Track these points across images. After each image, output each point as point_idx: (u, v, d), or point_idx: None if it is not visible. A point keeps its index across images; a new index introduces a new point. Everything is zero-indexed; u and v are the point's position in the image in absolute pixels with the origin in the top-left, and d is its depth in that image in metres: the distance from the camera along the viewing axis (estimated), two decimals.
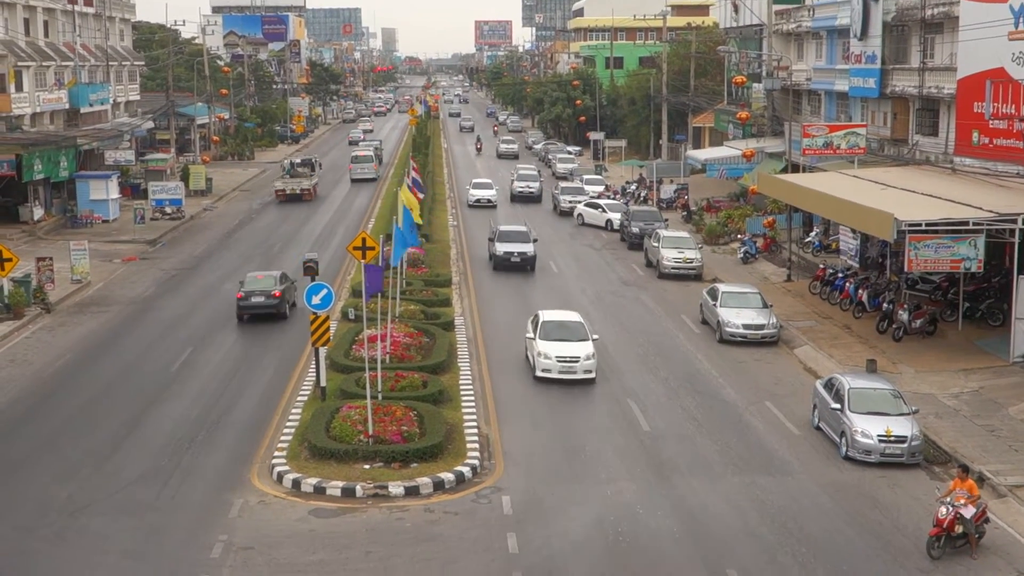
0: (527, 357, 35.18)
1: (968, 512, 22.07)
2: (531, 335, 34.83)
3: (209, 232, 62.17)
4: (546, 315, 35.62)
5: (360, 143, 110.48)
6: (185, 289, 46.95)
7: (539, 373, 33.64)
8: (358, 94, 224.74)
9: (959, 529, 22.08)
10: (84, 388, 32.93)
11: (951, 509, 22.11)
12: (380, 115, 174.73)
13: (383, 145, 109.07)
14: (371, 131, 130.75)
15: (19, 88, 67.51)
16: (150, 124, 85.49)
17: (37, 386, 33.08)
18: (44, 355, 36.41)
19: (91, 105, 77.16)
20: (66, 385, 33.17)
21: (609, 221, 62.92)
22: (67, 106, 74.29)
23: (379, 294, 32.90)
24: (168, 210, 64.87)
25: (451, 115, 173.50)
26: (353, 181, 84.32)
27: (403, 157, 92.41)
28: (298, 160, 79.88)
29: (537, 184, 75.41)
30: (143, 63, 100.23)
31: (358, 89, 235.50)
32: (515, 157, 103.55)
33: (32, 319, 40.91)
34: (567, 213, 67.72)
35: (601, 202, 66.27)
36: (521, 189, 75.08)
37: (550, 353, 33.59)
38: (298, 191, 74.26)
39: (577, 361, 33.47)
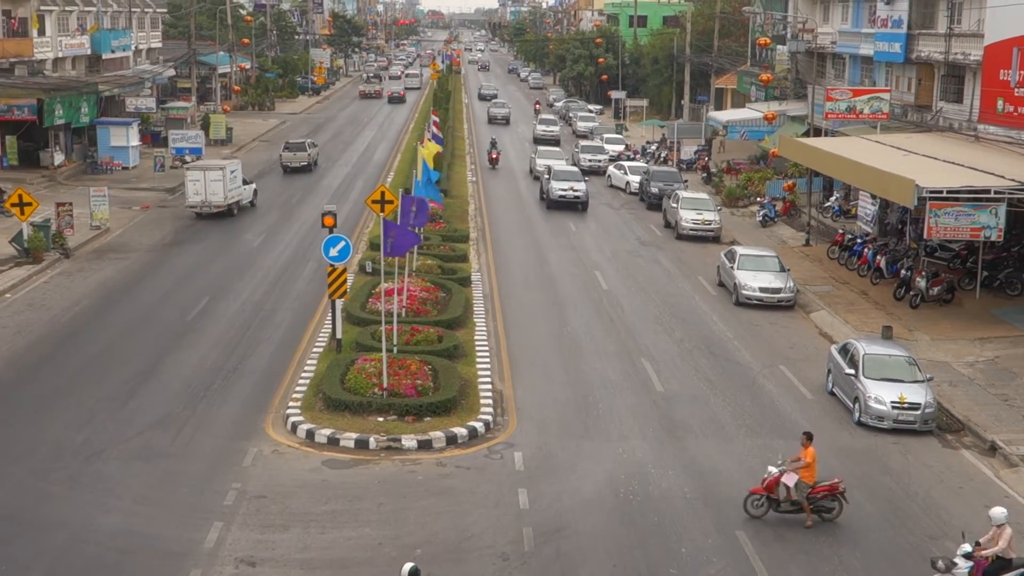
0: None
1: (790, 480, 21.69)
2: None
3: None
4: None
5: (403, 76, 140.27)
6: (203, 238, 47.04)
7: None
8: (380, 47, 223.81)
9: (795, 496, 21.74)
10: (101, 334, 33.10)
11: (776, 472, 21.88)
12: (396, 100, 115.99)
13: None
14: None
15: (41, 32, 67.50)
16: (171, 72, 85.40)
17: (54, 331, 33.27)
18: (62, 300, 36.59)
19: (113, 51, 77.14)
20: (83, 331, 33.35)
21: (628, 183, 62.69)
22: (89, 52, 74.28)
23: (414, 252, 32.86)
24: (188, 158, 64.83)
25: (471, 62, 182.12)
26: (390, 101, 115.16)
27: (424, 112, 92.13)
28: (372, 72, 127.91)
29: (582, 187, 56.34)
30: (165, 10, 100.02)
31: (380, 42, 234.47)
32: (556, 144, 78.89)
33: (51, 264, 41.09)
34: (586, 172, 67.43)
35: (624, 163, 66.00)
36: (563, 193, 56.09)
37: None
38: (372, 92, 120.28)
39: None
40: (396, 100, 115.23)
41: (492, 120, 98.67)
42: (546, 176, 57.47)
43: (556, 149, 71.35)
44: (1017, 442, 26.17)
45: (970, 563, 18.98)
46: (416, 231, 31.50)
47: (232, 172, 51.78)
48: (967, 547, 19.23)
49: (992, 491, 24.11)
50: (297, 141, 68.94)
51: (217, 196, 50.31)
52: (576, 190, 55.71)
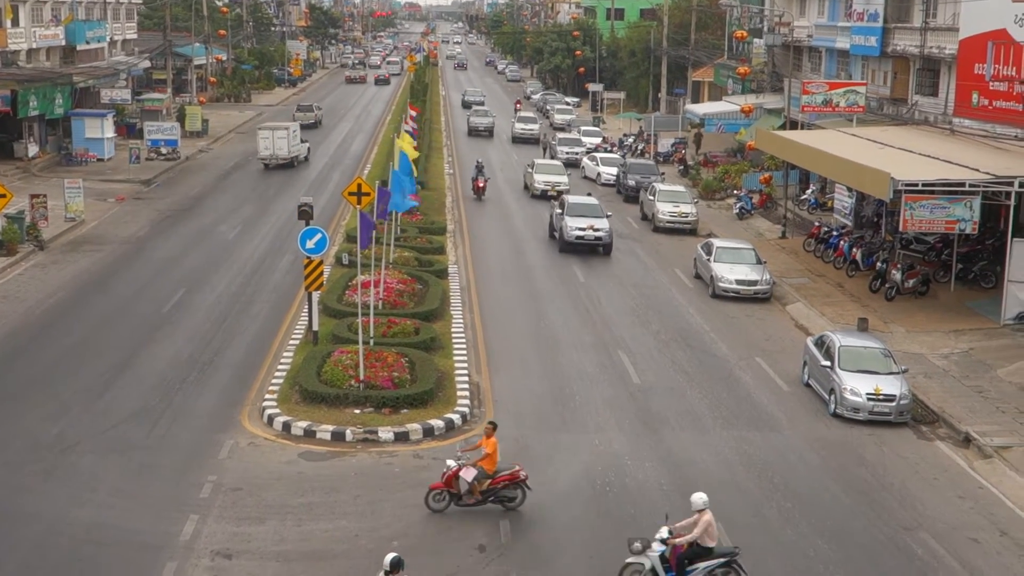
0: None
1: (468, 475, 21.11)
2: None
3: (204, 174, 61.95)
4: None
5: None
6: (179, 230, 46.85)
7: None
8: (357, 39, 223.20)
9: (478, 489, 21.21)
10: (76, 326, 32.92)
11: (455, 465, 21.35)
12: (382, 83, 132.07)
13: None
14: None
15: (15, 23, 66.90)
16: (147, 63, 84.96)
17: (29, 323, 33.06)
18: (36, 292, 36.36)
19: (88, 43, 76.57)
20: (58, 323, 33.16)
21: (599, 174, 62.88)
22: (63, 43, 73.65)
23: (372, 240, 32.85)
24: (163, 150, 64.68)
25: (448, 58, 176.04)
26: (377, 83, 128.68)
27: (400, 104, 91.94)
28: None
29: (605, 225, 45.05)
30: (140, 1, 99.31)
31: (357, 34, 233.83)
32: (536, 142, 79.62)
33: (25, 256, 40.83)
34: (563, 165, 67.44)
35: (597, 155, 66.24)
36: (580, 233, 44.72)
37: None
38: (357, 78, 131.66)
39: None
40: (382, 82, 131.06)
41: (473, 131, 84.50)
42: (558, 210, 46.27)
43: (555, 163, 61.29)
44: (991, 433, 26.33)
45: (664, 547, 18.44)
46: (376, 218, 31.26)
47: (293, 132, 64.18)
48: (665, 531, 18.65)
49: (966, 482, 24.26)
50: (306, 104, 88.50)
51: (283, 151, 62.58)
52: (597, 229, 44.24)
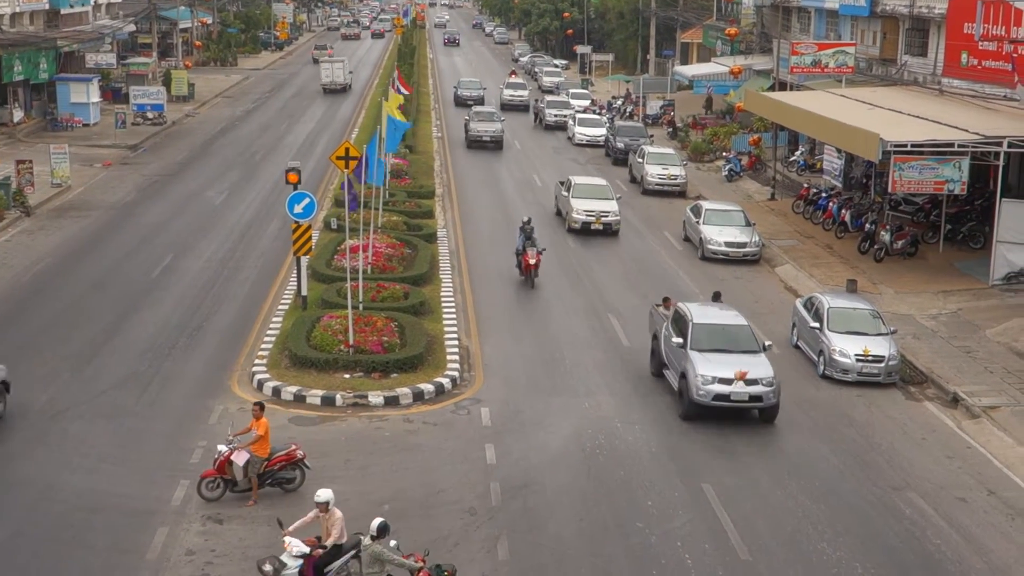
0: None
1: (240, 459, 20.22)
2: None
3: (191, 138, 61.61)
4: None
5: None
6: (166, 195, 46.63)
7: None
8: (343, 2, 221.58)
9: (249, 473, 20.34)
10: (64, 292, 32.80)
11: (227, 450, 20.36)
12: (377, 36, 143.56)
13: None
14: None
15: None
16: (132, 27, 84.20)
17: (16, 289, 32.94)
18: (23, 258, 36.21)
19: (71, 6, 75.77)
20: (45, 289, 33.04)
21: (574, 134, 63.15)
22: (47, 7, 72.81)
23: (361, 205, 32.79)
24: (150, 115, 64.27)
25: (436, 26, 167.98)
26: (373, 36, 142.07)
27: (388, 68, 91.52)
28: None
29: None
30: None
31: None
32: (526, 109, 74.84)
33: (11, 222, 40.62)
34: (552, 127, 67.31)
35: (578, 115, 66.07)
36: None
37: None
38: (352, 35, 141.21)
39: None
40: (377, 36, 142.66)
41: (475, 142, 60.51)
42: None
43: (598, 182, 44.61)
44: (979, 393, 26.44)
45: (300, 561, 17.09)
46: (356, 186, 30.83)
47: (346, 65, 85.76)
48: (302, 547, 17.18)
49: (954, 442, 24.37)
50: (321, 44, 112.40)
51: (340, 78, 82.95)
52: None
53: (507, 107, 75.33)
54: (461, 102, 76.50)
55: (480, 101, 75.74)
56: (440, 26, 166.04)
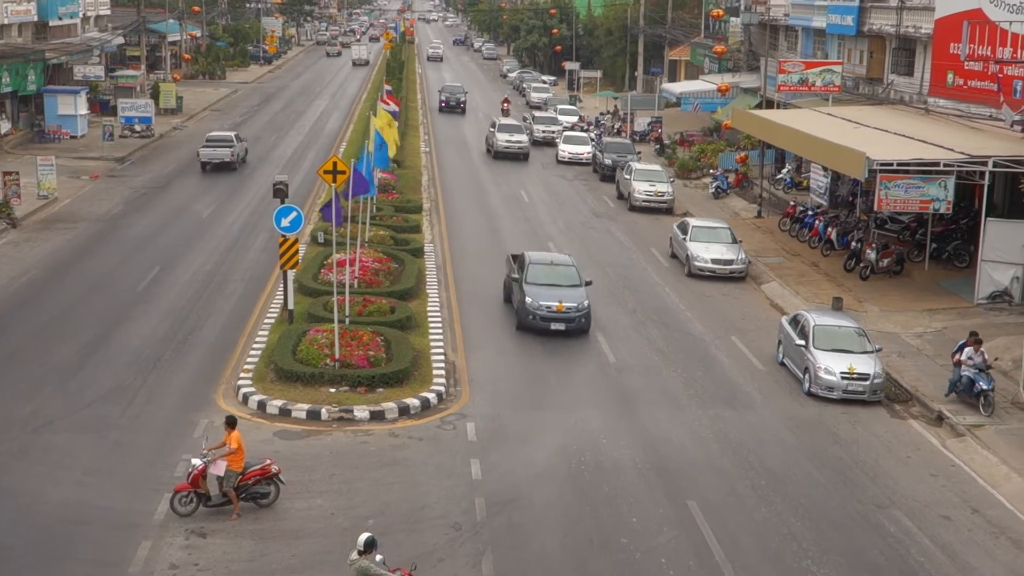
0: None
1: (218, 469, 19.99)
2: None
3: (179, 151, 61.51)
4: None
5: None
6: (153, 208, 46.57)
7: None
8: (332, 16, 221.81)
9: (224, 487, 20.16)
10: (49, 305, 32.72)
11: (200, 463, 20.11)
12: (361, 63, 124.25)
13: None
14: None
15: None
16: (120, 40, 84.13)
17: (2, 301, 32.82)
18: (9, 271, 36.11)
19: (60, 18, 75.70)
20: (31, 301, 32.94)
21: (559, 152, 62.88)
22: (35, 18, 72.74)
23: (348, 219, 32.81)
24: (138, 128, 64.21)
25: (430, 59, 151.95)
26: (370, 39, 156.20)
27: (376, 83, 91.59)
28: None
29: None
30: None
31: (332, 11, 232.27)
32: (526, 159, 62.21)
33: None
34: (540, 143, 67.33)
35: (565, 132, 66.00)
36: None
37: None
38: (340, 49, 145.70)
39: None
40: (373, 40, 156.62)
41: (502, 154, 61.25)
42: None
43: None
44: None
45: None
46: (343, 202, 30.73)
47: (368, 47, 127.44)
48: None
49: (939, 460, 24.44)
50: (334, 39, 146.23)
51: (363, 55, 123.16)
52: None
53: (501, 155, 62.17)
54: (445, 106, 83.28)
55: (459, 105, 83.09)
56: (434, 59, 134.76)
